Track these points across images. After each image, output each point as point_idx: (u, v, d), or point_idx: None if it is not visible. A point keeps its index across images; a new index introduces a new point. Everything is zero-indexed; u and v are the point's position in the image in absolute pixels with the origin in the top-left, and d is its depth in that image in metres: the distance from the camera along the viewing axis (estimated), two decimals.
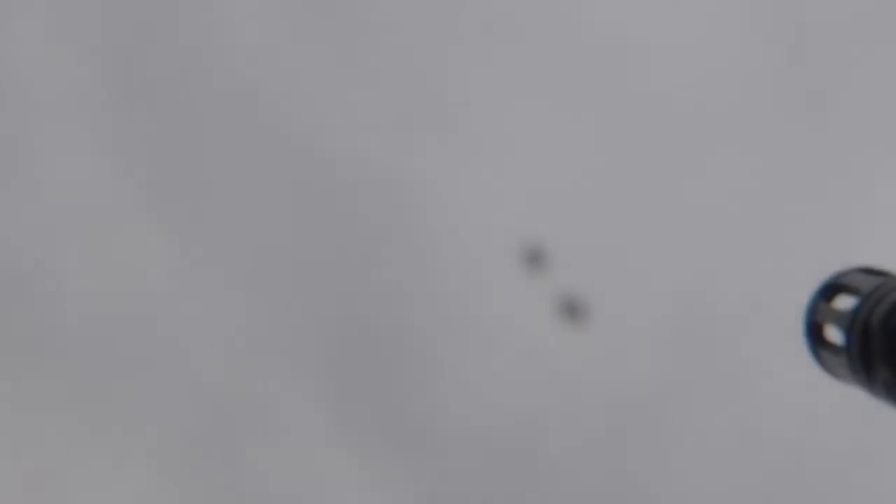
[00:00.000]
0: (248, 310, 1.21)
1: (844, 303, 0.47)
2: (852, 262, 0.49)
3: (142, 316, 1.21)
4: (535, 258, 1.20)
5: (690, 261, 1.21)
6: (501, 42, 1.22)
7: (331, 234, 1.21)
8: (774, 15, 1.20)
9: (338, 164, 1.21)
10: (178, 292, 1.21)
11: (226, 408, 1.20)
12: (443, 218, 1.21)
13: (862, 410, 1.01)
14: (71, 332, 1.21)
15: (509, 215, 1.21)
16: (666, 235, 1.21)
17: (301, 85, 1.22)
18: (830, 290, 0.48)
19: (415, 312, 1.21)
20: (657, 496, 1.20)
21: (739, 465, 1.20)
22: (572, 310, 1.20)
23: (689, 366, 1.20)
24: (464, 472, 1.19)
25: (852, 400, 0.55)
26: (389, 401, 1.20)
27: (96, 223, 1.22)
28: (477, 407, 1.19)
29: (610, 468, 1.20)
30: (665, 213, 1.21)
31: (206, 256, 1.22)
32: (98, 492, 1.20)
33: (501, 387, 1.19)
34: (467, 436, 1.19)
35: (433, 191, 1.21)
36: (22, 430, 1.21)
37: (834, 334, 0.47)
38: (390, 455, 1.19)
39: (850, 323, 0.46)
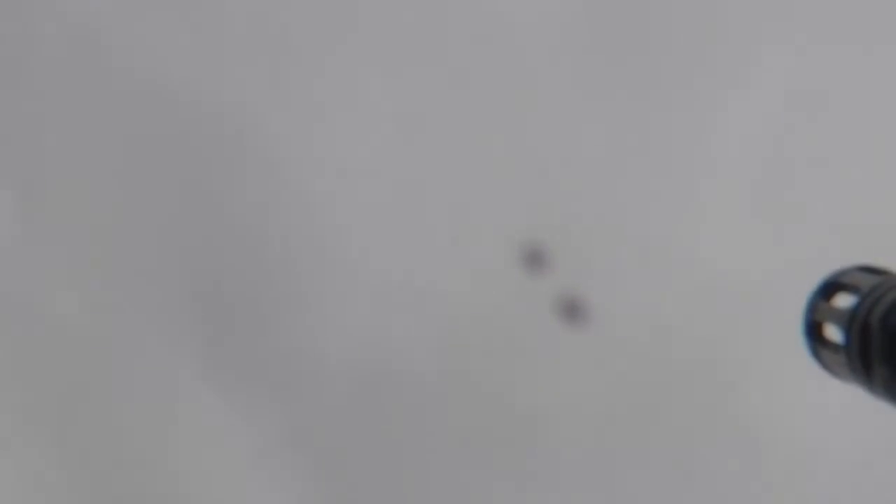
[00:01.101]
0: (109, 255, 1.18)
1: (844, 301, 0.47)
2: (853, 261, 0.49)
3: None
4: (535, 258, 1.20)
5: (690, 260, 1.21)
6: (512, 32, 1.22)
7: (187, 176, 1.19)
8: None
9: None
10: (31, 237, 1.18)
11: (87, 355, 1.18)
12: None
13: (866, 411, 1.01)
14: None
15: (510, 215, 1.21)
16: (665, 235, 1.21)
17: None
18: (830, 288, 0.48)
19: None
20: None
21: (738, 467, 1.20)
22: (572, 310, 1.20)
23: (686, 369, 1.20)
24: (336, 406, 1.18)
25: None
26: (260, 340, 1.18)
27: None
28: (347, 341, 1.17)
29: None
30: (665, 212, 1.21)
31: (59, 206, 1.19)
32: None
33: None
34: (340, 370, 1.17)
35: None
36: None
37: (833, 333, 0.47)
38: (259, 392, 1.17)
39: (849, 321, 0.46)
